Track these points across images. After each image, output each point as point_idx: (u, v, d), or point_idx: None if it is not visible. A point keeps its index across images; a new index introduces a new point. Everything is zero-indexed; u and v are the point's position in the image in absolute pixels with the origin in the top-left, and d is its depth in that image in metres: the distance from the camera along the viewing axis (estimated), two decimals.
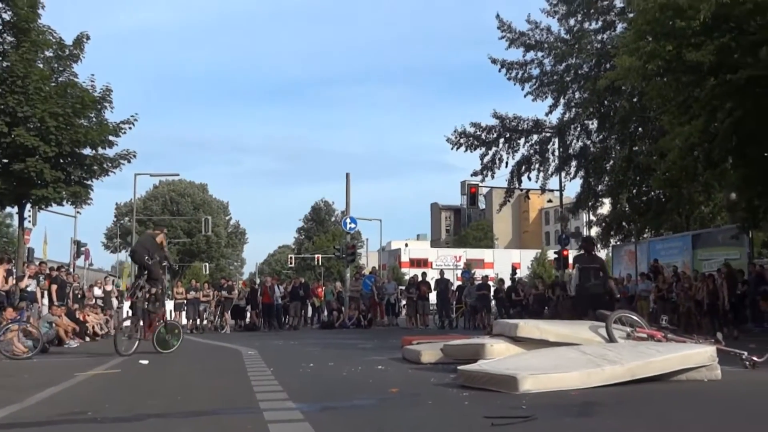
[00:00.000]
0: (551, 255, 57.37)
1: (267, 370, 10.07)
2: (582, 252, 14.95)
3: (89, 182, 22.42)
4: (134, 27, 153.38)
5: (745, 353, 9.52)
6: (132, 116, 22.18)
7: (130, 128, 22.16)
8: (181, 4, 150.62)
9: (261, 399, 7.06)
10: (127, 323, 14.81)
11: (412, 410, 6.52)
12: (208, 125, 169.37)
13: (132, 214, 47.51)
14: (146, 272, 13.89)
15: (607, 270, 15.19)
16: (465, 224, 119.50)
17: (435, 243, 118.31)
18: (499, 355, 9.18)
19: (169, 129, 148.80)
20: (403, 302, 29.54)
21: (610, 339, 9.43)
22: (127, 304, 28.02)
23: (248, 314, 28.27)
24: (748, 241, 23.60)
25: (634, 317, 10.40)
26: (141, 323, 13.84)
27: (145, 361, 11.78)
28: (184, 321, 27.11)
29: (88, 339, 20.10)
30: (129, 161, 22.69)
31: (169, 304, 29.93)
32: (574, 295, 15.66)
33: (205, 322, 27.23)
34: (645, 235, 32.33)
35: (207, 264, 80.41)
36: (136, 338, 13.69)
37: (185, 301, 27.29)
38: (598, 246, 38.55)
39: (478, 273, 39.07)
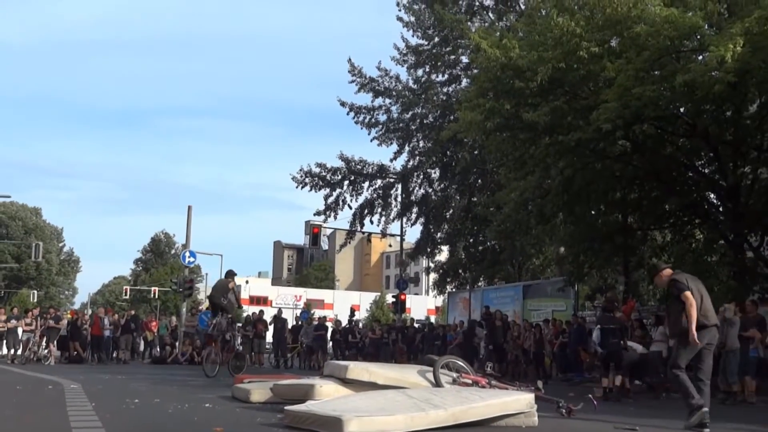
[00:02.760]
0: (390, 299, 58.01)
1: (88, 405, 9.71)
2: (604, 312, 15.57)
3: None
4: None
5: (562, 401, 9.97)
6: None
7: None
8: (19, 23, 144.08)
9: None
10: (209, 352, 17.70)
11: None
12: (45, 149, 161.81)
13: None
14: (222, 311, 17.28)
15: (625, 329, 15.64)
16: (307, 264, 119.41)
17: (276, 281, 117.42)
18: (327, 396, 9.24)
19: (1, 150, 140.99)
20: (239, 339, 29.10)
21: (437, 384, 9.67)
22: None
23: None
24: (573, 293, 24.79)
25: (461, 363, 10.69)
26: (221, 350, 17.33)
27: None
28: (4, 351, 25.65)
29: None
30: None
31: None
32: (594, 353, 16.33)
33: (27, 352, 25.77)
34: (479, 284, 33.36)
35: (36, 291, 76.76)
36: (217, 362, 16.98)
37: (6, 330, 25.73)
38: (435, 293, 39.63)
39: (318, 313, 38.97)
